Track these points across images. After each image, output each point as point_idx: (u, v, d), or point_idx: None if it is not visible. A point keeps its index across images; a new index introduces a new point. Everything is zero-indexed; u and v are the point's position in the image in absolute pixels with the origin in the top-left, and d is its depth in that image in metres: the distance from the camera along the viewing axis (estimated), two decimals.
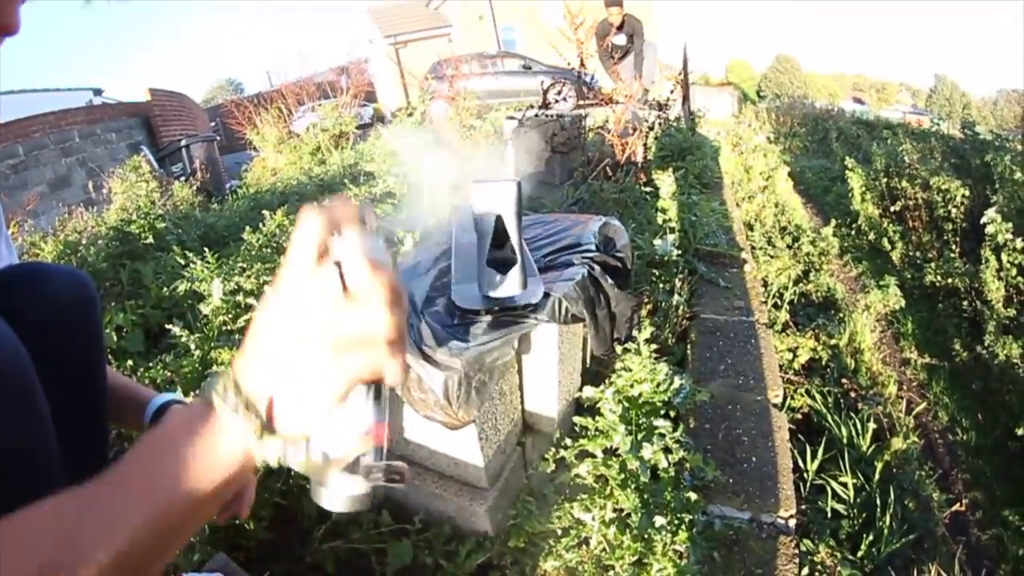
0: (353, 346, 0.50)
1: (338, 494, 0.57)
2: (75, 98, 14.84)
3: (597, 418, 1.58)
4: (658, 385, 1.55)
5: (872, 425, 2.92)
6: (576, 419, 1.58)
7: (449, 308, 1.30)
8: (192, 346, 2.34)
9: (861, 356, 4.12)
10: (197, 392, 2.07)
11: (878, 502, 2.42)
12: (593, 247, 1.61)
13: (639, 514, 1.45)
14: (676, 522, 1.47)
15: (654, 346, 1.58)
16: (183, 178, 8.75)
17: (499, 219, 1.16)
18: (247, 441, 0.50)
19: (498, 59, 15.25)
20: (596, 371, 2.26)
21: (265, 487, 1.76)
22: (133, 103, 13.40)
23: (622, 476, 1.54)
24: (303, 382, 0.50)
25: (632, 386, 1.55)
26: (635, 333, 1.65)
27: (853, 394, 3.73)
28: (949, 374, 4.67)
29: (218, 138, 13.43)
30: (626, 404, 1.55)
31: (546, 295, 1.33)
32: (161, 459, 0.50)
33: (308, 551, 1.72)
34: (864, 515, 2.35)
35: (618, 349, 1.66)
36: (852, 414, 3.09)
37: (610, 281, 1.63)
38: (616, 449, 1.55)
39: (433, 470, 1.68)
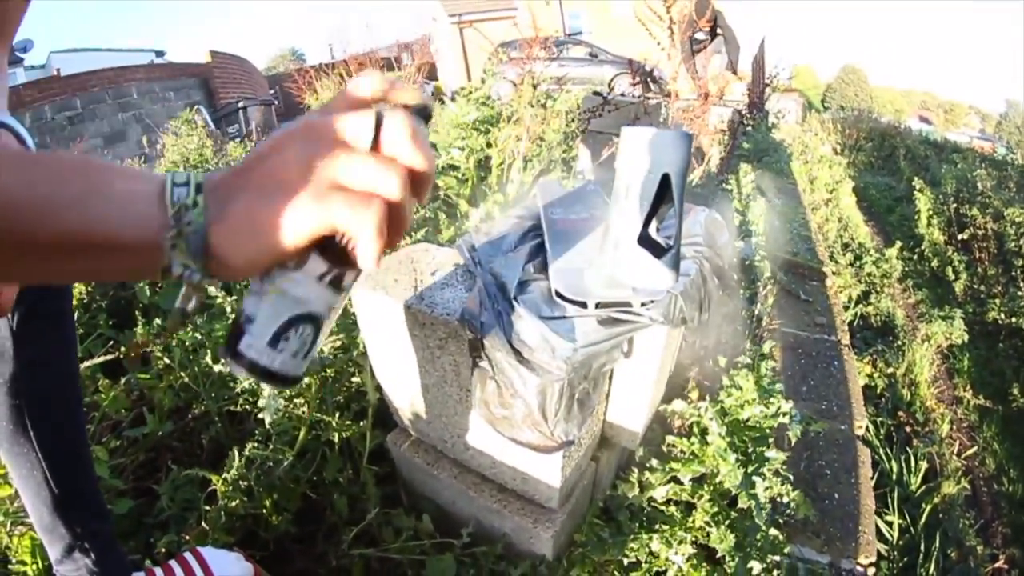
0: (347, 193, 0.43)
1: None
2: (138, 59, 15.12)
3: (692, 439, 1.34)
4: (770, 409, 1.31)
5: (924, 464, 2.79)
6: (670, 439, 1.34)
7: (546, 297, 1.05)
8: (228, 308, 2.20)
9: (917, 389, 3.99)
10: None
11: (922, 547, 2.32)
12: (701, 240, 1.36)
13: (735, 557, 1.22)
14: (767, 566, 1.24)
15: (772, 363, 1.34)
16: (238, 139, 8.70)
17: (665, 180, 0.87)
18: (161, 236, 0.42)
19: (564, 45, 14.97)
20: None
21: (292, 476, 1.63)
22: (193, 64, 13.55)
23: (715, 509, 1.31)
24: (272, 207, 0.42)
25: (742, 407, 1.31)
26: (747, 345, 1.40)
27: (907, 429, 3.60)
28: (1002, 419, 4.54)
29: (276, 103, 13.46)
30: (730, 427, 1.31)
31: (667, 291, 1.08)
32: (85, 168, 0.43)
33: (334, 553, 1.57)
34: (906, 559, 2.27)
35: (720, 362, 1.41)
36: (906, 449, 2.97)
37: (716, 282, 1.39)
38: (705, 476, 1.32)
39: (492, 481, 1.47)
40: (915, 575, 2.16)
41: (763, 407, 1.30)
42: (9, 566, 1.38)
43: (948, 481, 3.02)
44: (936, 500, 2.73)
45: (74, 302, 2.38)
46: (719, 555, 1.28)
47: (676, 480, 1.38)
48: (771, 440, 1.35)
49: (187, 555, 1.29)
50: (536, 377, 0.95)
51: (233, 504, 1.50)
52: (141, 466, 1.87)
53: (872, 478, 2.39)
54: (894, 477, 2.72)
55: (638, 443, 1.47)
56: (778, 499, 1.46)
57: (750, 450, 1.29)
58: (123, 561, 1.22)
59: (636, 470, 1.35)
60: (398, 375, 1.45)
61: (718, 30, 5.83)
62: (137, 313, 2.29)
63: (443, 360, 1.25)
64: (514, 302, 1.00)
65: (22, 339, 0.98)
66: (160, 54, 17.89)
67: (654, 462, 1.34)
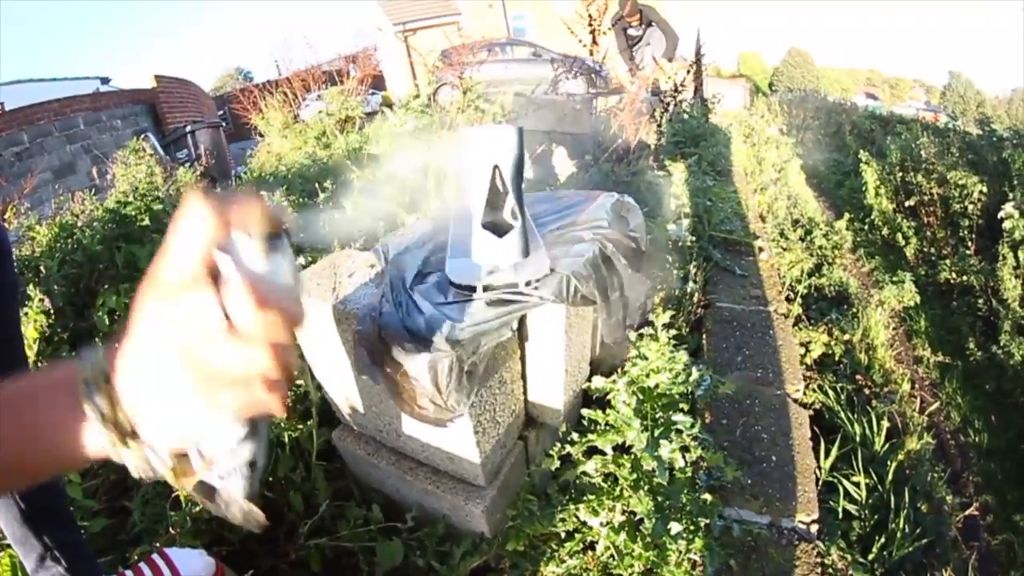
0: (227, 384, 0.43)
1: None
2: (82, 87, 14.88)
3: (608, 411, 1.43)
4: (676, 375, 1.40)
5: (886, 423, 2.88)
6: (585, 412, 1.43)
7: (441, 284, 1.14)
8: None
9: (874, 353, 4.07)
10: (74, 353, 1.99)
11: (891, 504, 2.35)
12: (605, 223, 1.45)
13: (653, 519, 1.31)
14: (692, 528, 1.32)
15: (673, 331, 1.43)
16: (188, 163, 8.65)
17: (496, 171, 0.99)
18: (104, 444, 0.45)
19: (507, 47, 15.05)
20: (604, 361, 2.13)
21: None
22: (139, 90, 13.33)
23: (634, 476, 1.40)
24: (171, 407, 0.44)
25: (648, 376, 1.40)
26: (651, 319, 1.49)
27: (867, 391, 3.68)
28: (962, 374, 4.65)
29: (224, 125, 13.35)
30: (640, 396, 1.40)
31: (552, 271, 1.17)
32: (16, 404, 0.46)
33: (292, 547, 1.63)
34: (876, 516, 2.27)
35: (631, 336, 1.51)
36: (866, 411, 3.03)
37: (624, 262, 1.48)
38: (628, 446, 1.41)
39: (426, 464, 1.55)
40: (887, 531, 2.15)
41: (668, 374, 1.39)
42: None
43: (911, 437, 3.07)
44: (901, 457, 2.76)
45: (35, 334, 2.42)
46: (636, 517, 1.36)
47: (601, 452, 1.47)
48: (684, 406, 1.44)
49: (155, 556, 1.39)
50: (428, 354, 1.04)
51: (197, 509, 1.57)
52: (113, 486, 1.94)
53: (835, 443, 2.47)
54: (857, 439, 2.71)
55: (561, 420, 1.55)
56: (701, 464, 1.55)
57: (658, 415, 1.38)
58: (94, 567, 1.29)
59: (558, 445, 1.43)
60: (330, 372, 1.52)
61: (651, 23, 5.96)
62: (98, 341, 2.33)
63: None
64: (409, 291, 1.09)
65: None
66: (105, 81, 17.61)
67: (574, 436, 1.42)
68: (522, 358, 1.41)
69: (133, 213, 3.64)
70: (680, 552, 1.30)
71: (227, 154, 12.00)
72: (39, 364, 2.28)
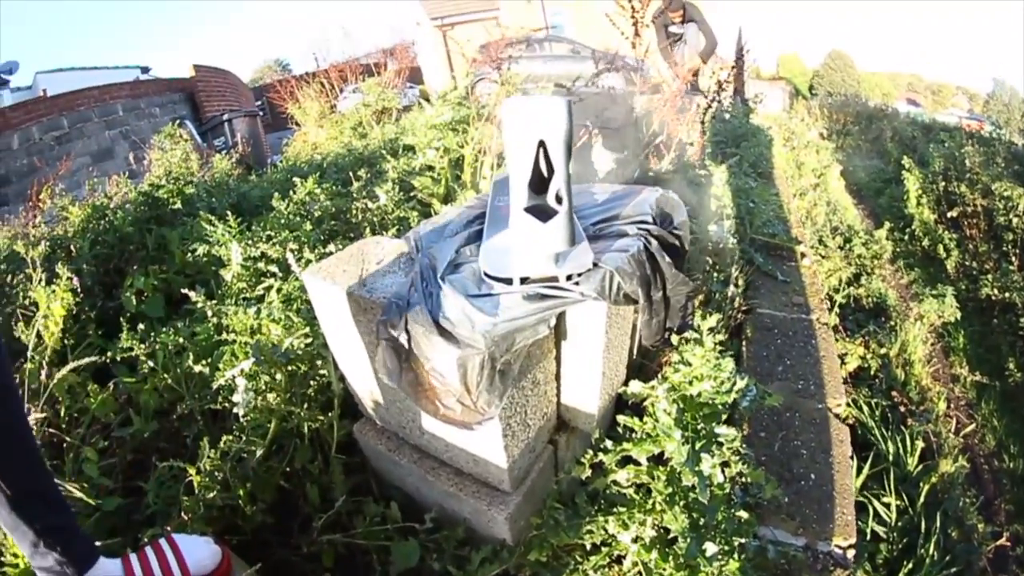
0: None
1: None
2: (123, 76, 15.11)
3: (645, 419, 1.34)
4: (721, 384, 1.30)
5: (920, 444, 2.80)
6: (620, 418, 1.34)
7: (475, 275, 1.06)
8: (208, 312, 2.25)
9: (911, 368, 3.98)
10: (208, 361, 2.00)
11: (922, 528, 2.27)
12: (650, 219, 1.37)
13: (688, 539, 1.22)
14: (727, 548, 1.23)
15: (719, 337, 1.34)
16: (224, 151, 8.72)
17: (542, 147, 0.89)
18: None
19: (545, 43, 14.97)
20: (641, 364, 2.04)
21: (265, 467, 1.66)
22: (178, 79, 13.55)
23: (670, 490, 1.31)
24: None
25: (691, 383, 1.30)
26: (694, 322, 1.40)
27: (902, 408, 3.60)
28: (1000, 395, 4.52)
29: (262, 114, 13.47)
30: (681, 404, 1.31)
31: (595, 266, 1.08)
32: None
33: (305, 540, 1.62)
34: (905, 540, 2.21)
35: (673, 339, 1.42)
36: (901, 429, 2.94)
37: (668, 260, 1.39)
38: (665, 456, 1.32)
39: (449, 465, 1.48)
40: (915, 556, 2.09)
41: (712, 382, 1.30)
42: (3, 559, 1.42)
43: (946, 460, 2.99)
44: (934, 479, 2.69)
45: (62, 311, 2.44)
46: (671, 536, 1.28)
47: (635, 462, 1.38)
48: (724, 416, 1.35)
49: (161, 541, 1.37)
50: (457, 350, 0.96)
51: (211, 495, 1.54)
52: (130, 465, 1.92)
53: (867, 461, 2.39)
54: (891, 458, 2.65)
55: (594, 425, 1.47)
56: (739, 479, 1.46)
57: (700, 427, 1.28)
58: (89, 550, 1.27)
59: (591, 452, 1.35)
60: (354, 363, 1.47)
61: (693, 21, 5.87)
62: (123, 321, 2.32)
63: None
64: (440, 281, 1.01)
65: None
66: (145, 70, 17.87)
67: (608, 443, 1.34)
68: (557, 358, 1.33)
69: (166, 196, 3.70)
70: (712, 574, 1.22)
71: (264, 142, 12.10)
72: (64, 341, 2.27)
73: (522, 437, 1.28)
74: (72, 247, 3.08)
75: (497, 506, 1.39)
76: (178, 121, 8.36)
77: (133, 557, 1.32)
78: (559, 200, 0.94)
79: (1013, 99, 45.45)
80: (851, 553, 1.68)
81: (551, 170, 0.91)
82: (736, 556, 1.24)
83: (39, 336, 2.11)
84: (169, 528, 1.52)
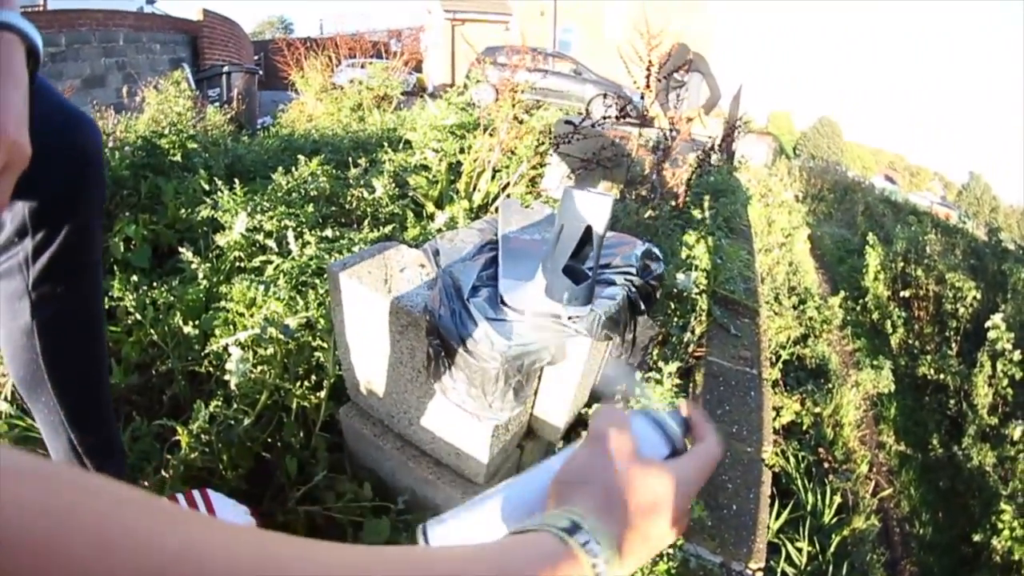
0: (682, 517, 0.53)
1: None
2: (127, 4, 14.73)
3: None
4: None
5: (838, 499, 2.95)
6: (582, 432, 1.57)
7: (492, 300, 1.29)
8: (200, 275, 2.32)
9: (841, 430, 4.16)
10: (197, 323, 2.05)
11: (829, 574, 2.47)
12: (634, 270, 1.60)
13: None
14: (659, 553, 1.47)
15: (676, 380, 1.58)
16: (218, 104, 8.70)
17: (588, 231, 1.16)
18: None
19: (550, 57, 15.17)
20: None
21: (250, 436, 1.71)
22: (184, 19, 13.24)
23: None
24: (652, 548, 0.51)
25: None
26: (658, 363, 1.64)
27: (826, 465, 3.76)
28: (920, 467, 4.79)
29: (260, 72, 13.35)
30: None
31: (591, 310, 1.32)
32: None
33: (280, 510, 1.68)
34: None
35: (636, 375, 1.65)
36: (823, 483, 3.12)
37: (643, 308, 1.62)
38: None
39: (430, 455, 1.67)
40: None
41: None
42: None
43: (860, 516, 3.15)
44: (846, 532, 2.81)
45: None
46: None
47: None
48: None
49: (195, 492, 1.42)
50: (478, 364, 1.18)
51: (193, 456, 1.58)
52: None
53: (787, 507, 2.57)
54: (808, 507, 2.79)
55: (559, 437, 1.69)
56: None
57: None
58: (120, 466, 1.30)
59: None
60: (361, 354, 1.64)
61: (697, 72, 6.09)
62: (114, 267, 2.40)
63: (402, 344, 1.46)
64: (467, 302, 1.23)
65: (42, 295, 1.02)
66: (151, 1, 17.50)
67: None
68: (539, 376, 1.55)
69: (166, 146, 3.64)
70: (643, 573, 1.44)
71: (257, 102, 12.02)
72: None
73: (503, 439, 1.49)
74: None
75: (469, 496, 1.57)
76: (180, 65, 8.32)
77: (180, 496, 1.38)
78: (591, 269, 1.20)
79: (985, 194, 47.03)
80: None
81: (590, 248, 1.17)
82: (664, 560, 1.46)
83: None
84: (146, 484, 1.55)
